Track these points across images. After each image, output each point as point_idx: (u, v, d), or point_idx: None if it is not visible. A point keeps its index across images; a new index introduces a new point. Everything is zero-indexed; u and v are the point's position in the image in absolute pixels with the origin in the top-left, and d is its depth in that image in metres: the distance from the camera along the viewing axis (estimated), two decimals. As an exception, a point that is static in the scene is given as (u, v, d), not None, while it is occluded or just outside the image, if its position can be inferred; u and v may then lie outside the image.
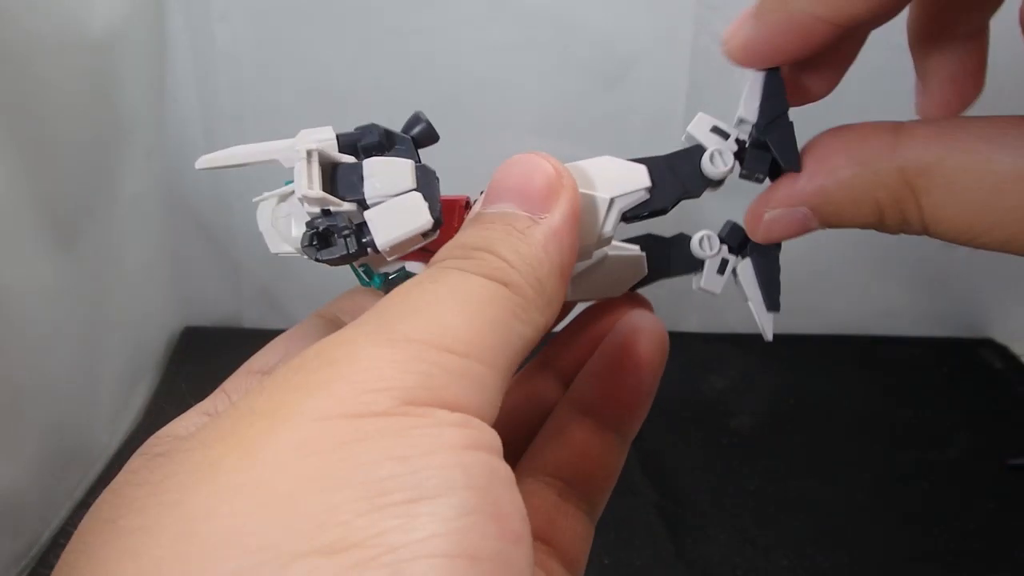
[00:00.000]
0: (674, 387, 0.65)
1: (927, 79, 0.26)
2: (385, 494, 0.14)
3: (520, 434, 0.27)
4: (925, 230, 0.20)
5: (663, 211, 0.24)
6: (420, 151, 0.23)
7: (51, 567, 0.17)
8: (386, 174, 0.21)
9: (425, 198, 0.21)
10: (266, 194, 0.23)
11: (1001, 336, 0.71)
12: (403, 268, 0.24)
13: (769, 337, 0.25)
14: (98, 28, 0.50)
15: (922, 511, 0.54)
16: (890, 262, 0.69)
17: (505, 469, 0.16)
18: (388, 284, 0.24)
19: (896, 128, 0.21)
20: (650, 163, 0.23)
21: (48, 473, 0.49)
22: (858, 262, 0.69)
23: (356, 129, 0.22)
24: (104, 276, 0.55)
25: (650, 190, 0.23)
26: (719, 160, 0.23)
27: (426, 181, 0.21)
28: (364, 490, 0.14)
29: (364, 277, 0.24)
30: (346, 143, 0.22)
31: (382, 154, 0.22)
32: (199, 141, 0.62)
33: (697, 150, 0.23)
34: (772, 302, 0.25)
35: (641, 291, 0.27)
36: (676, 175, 0.23)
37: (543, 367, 0.28)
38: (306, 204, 0.21)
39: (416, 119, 0.23)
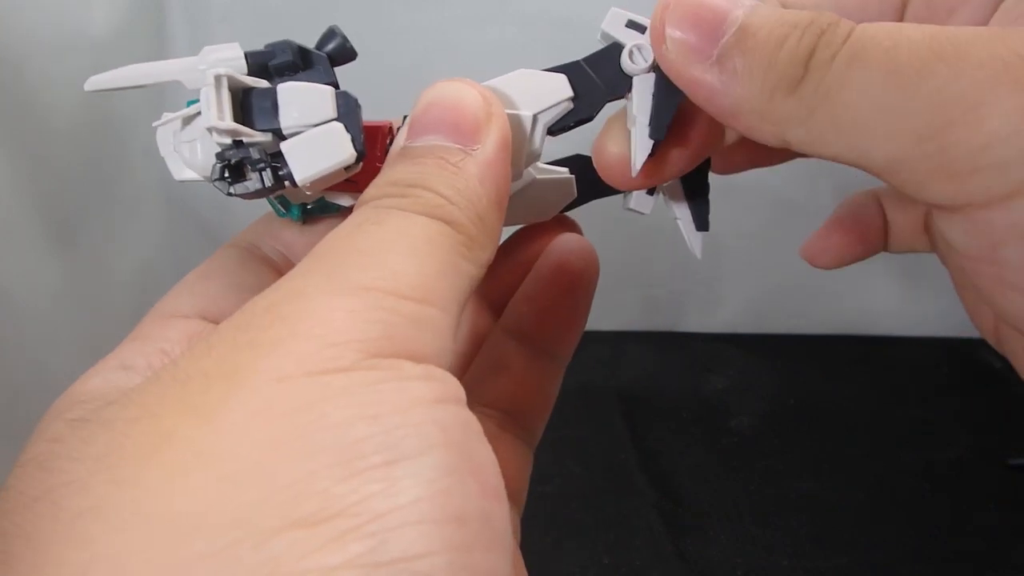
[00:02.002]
0: (674, 387, 0.65)
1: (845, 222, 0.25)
2: (362, 457, 0.13)
3: (459, 365, 0.26)
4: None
5: (589, 119, 0.23)
6: (337, 70, 0.21)
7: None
8: (304, 102, 0.19)
9: (347, 129, 0.19)
10: (167, 115, 0.21)
11: (1001, 336, 0.71)
12: (322, 198, 0.22)
13: (699, 254, 0.24)
14: (98, 28, 0.50)
15: (922, 511, 0.54)
16: (890, 262, 0.69)
17: (475, 420, 0.15)
18: (307, 214, 0.22)
19: None
20: (570, 70, 0.22)
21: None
22: (858, 262, 0.69)
23: (266, 46, 0.20)
24: (104, 276, 0.55)
25: (573, 100, 0.22)
26: (639, 56, 0.21)
27: (347, 110, 0.20)
28: (340, 454, 0.13)
29: (280, 208, 0.22)
30: (256, 63, 0.20)
31: (296, 75, 0.20)
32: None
33: (615, 48, 0.22)
34: (701, 221, 0.24)
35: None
36: (598, 78, 0.22)
37: (477, 298, 0.27)
38: (215, 135, 0.19)
39: (331, 33, 0.21)
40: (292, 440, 0.13)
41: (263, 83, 0.20)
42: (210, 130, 0.19)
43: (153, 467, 0.13)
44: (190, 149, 0.20)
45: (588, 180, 0.24)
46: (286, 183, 0.19)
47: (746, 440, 0.60)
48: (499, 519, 0.14)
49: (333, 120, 0.19)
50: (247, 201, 0.21)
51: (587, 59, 0.22)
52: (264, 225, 0.24)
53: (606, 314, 0.68)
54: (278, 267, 0.23)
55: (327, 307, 0.15)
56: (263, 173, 0.19)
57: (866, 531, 0.52)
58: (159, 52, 0.59)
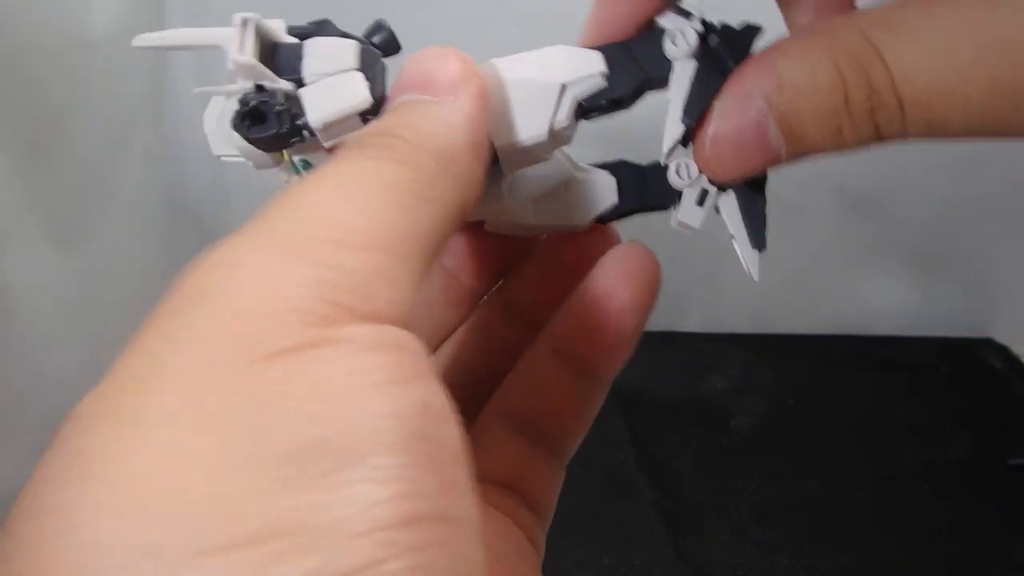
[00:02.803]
0: (674, 387, 0.65)
1: None
2: (310, 463, 0.12)
3: (483, 378, 0.24)
4: (896, 95, 0.17)
5: (622, 101, 0.22)
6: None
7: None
8: (327, 53, 0.19)
9: (367, 78, 0.19)
10: (210, 87, 0.20)
11: (1001, 336, 0.71)
12: None
13: (756, 276, 0.22)
14: (98, 28, 0.50)
15: (922, 511, 0.54)
16: (890, 262, 0.69)
17: (438, 398, 0.14)
18: None
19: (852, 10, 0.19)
20: (608, 49, 0.21)
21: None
22: (858, 262, 0.69)
23: (310, 23, 0.20)
24: (104, 276, 0.55)
25: (607, 76, 0.21)
26: (681, 40, 0.21)
27: (371, 62, 0.19)
28: (283, 463, 0.12)
29: (302, 172, 0.21)
30: (296, 34, 0.20)
31: None
32: (199, 141, 0.62)
33: (658, 33, 0.21)
34: (758, 239, 0.22)
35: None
36: (635, 60, 0.21)
37: (504, 308, 0.25)
38: (240, 79, 0.19)
39: (378, 26, 0.21)
40: (228, 452, 0.12)
41: (294, 40, 0.20)
42: (232, 69, 0.19)
43: (79, 492, 0.12)
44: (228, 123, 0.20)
45: (633, 189, 0.23)
46: (304, 133, 0.19)
47: (746, 440, 0.60)
48: (461, 512, 0.13)
49: (353, 70, 0.19)
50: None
51: (627, 41, 0.21)
52: None
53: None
54: None
55: (254, 272, 0.13)
56: (280, 116, 0.18)
57: (866, 531, 0.52)
58: (159, 52, 0.59)
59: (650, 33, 0.21)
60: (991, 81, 0.16)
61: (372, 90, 0.19)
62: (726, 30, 0.21)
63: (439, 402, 0.13)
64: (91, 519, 0.11)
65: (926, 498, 0.55)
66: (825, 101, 0.18)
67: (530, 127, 0.20)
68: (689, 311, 0.71)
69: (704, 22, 0.21)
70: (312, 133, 0.19)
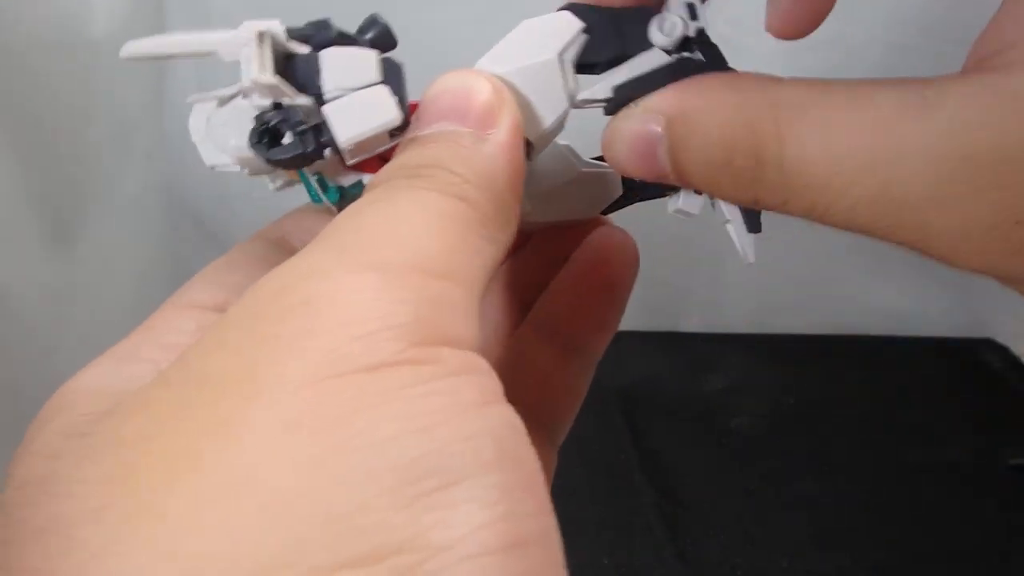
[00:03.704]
0: (674, 387, 0.65)
1: None
2: (416, 480, 0.12)
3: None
4: (783, 175, 0.17)
5: (595, 67, 0.21)
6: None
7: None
8: (348, 66, 0.18)
9: (393, 92, 0.18)
10: (202, 94, 0.20)
11: (1001, 336, 0.71)
12: (360, 181, 0.21)
13: (751, 259, 0.22)
14: (98, 28, 0.50)
15: (922, 511, 0.54)
16: (890, 262, 0.69)
17: (520, 422, 0.14)
18: (345, 199, 0.21)
19: (779, 78, 0.19)
20: (595, 14, 0.21)
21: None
22: (858, 262, 0.69)
23: (307, 24, 0.20)
24: (104, 276, 0.55)
25: (586, 31, 0.21)
26: (669, 30, 0.20)
27: (393, 74, 0.19)
28: (392, 478, 0.12)
29: (317, 189, 0.21)
30: (297, 39, 0.19)
31: None
32: (199, 141, 0.62)
33: (648, 13, 0.21)
34: (753, 223, 0.22)
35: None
36: (619, 32, 0.21)
37: (505, 292, 0.26)
38: (255, 96, 0.18)
39: (372, 21, 0.20)
40: (335, 461, 0.12)
41: (305, 48, 0.19)
42: (250, 89, 0.18)
43: (174, 496, 0.12)
44: (223, 133, 0.19)
45: (635, 180, 0.23)
46: (326, 152, 0.18)
47: (746, 440, 0.60)
48: (556, 533, 0.13)
49: (378, 83, 0.19)
50: (274, 187, 0.20)
51: (620, 11, 0.21)
52: (295, 219, 0.22)
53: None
54: None
55: (353, 288, 0.13)
56: (303, 136, 0.18)
57: (866, 531, 0.52)
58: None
59: (643, 10, 0.21)
60: (881, 189, 0.16)
61: (400, 105, 0.18)
62: (713, 50, 0.21)
63: (522, 427, 0.14)
64: (213, 526, 0.11)
65: (926, 498, 0.55)
66: (712, 153, 0.18)
67: (552, 108, 0.20)
68: (689, 311, 0.71)
69: (700, 31, 0.21)
70: (336, 151, 0.18)
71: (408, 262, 0.14)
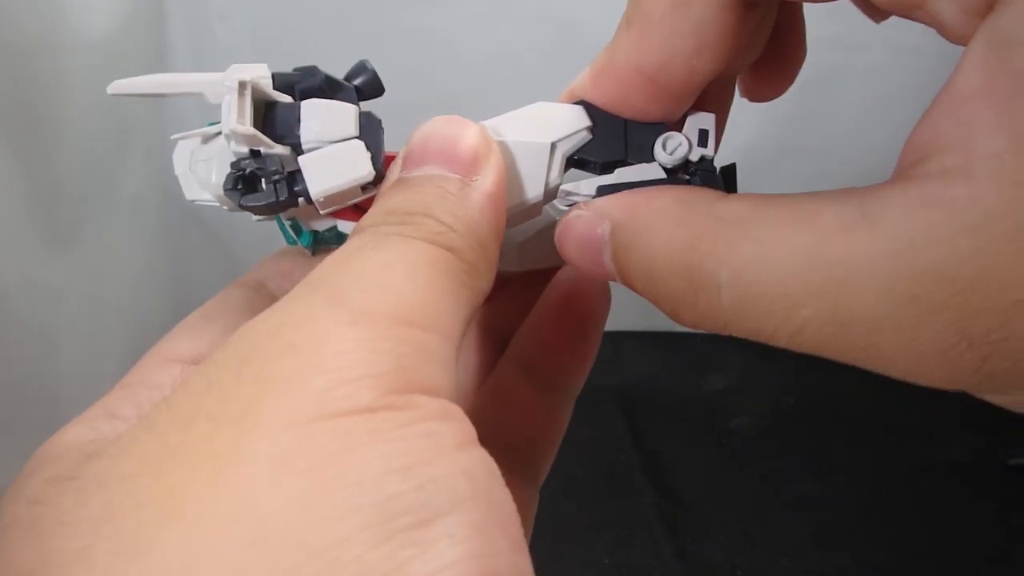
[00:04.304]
0: (674, 387, 0.65)
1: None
2: (394, 517, 0.12)
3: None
4: (719, 299, 0.17)
5: (591, 164, 0.21)
6: (364, 104, 0.20)
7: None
8: (326, 118, 0.19)
9: (368, 147, 0.19)
10: (187, 132, 0.20)
11: (1001, 336, 0.71)
12: (335, 228, 0.21)
13: None
14: (98, 28, 0.50)
15: (922, 511, 0.54)
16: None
17: (494, 464, 0.14)
18: (318, 242, 0.21)
19: (724, 194, 0.19)
20: (605, 117, 0.21)
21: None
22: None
23: (295, 70, 0.20)
24: (104, 276, 0.55)
25: (592, 130, 0.21)
26: (673, 145, 0.21)
27: (370, 129, 0.19)
28: (372, 514, 0.12)
29: (291, 233, 0.21)
30: (283, 84, 0.19)
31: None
32: (199, 141, 0.62)
33: (660, 128, 0.21)
34: None
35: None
36: (625, 140, 0.21)
37: (482, 334, 0.26)
38: (233, 142, 0.18)
39: (361, 68, 0.20)
40: (319, 498, 0.12)
41: (287, 98, 0.19)
42: (228, 136, 0.18)
43: (165, 534, 0.12)
44: (205, 168, 0.20)
45: None
46: (299, 200, 0.19)
47: (746, 440, 0.60)
48: (529, 571, 0.14)
49: (354, 138, 0.19)
50: (255, 219, 0.20)
51: (631, 121, 0.21)
52: (273, 263, 0.22)
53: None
54: None
55: (339, 336, 0.14)
56: (278, 185, 0.18)
57: (866, 531, 0.52)
58: (159, 52, 0.59)
59: (654, 126, 0.21)
60: (829, 313, 0.15)
61: (374, 161, 0.19)
62: (712, 178, 0.21)
63: (496, 468, 0.14)
64: (205, 562, 0.12)
65: (926, 498, 0.55)
66: (652, 267, 0.18)
67: (528, 190, 0.21)
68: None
69: (703, 158, 0.21)
70: (309, 201, 0.19)
71: (392, 313, 0.15)
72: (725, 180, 0.21)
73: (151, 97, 0.21)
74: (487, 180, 0.18)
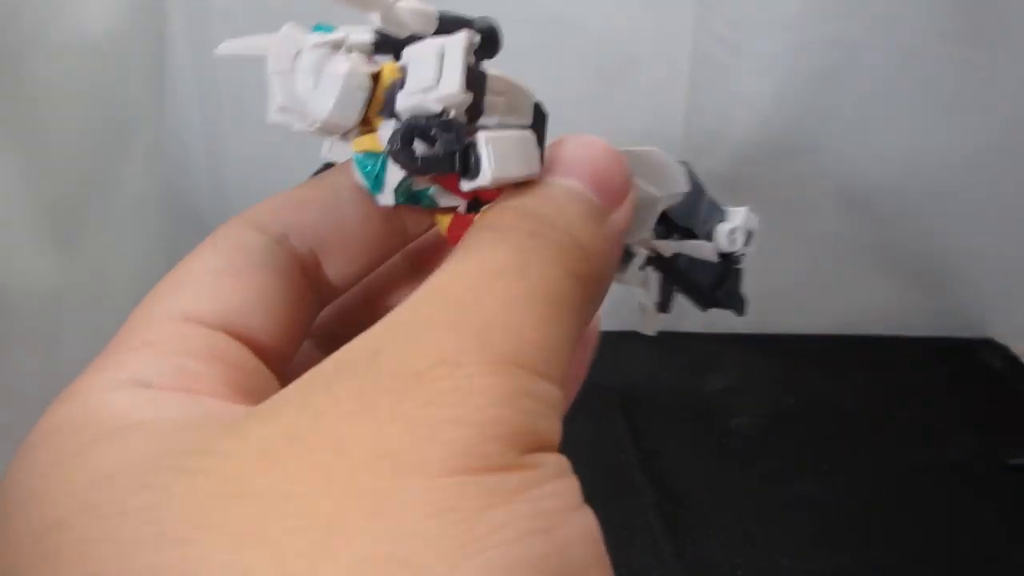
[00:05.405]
0: (674, 387, 0.65)
1: None
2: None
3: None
4: None
5: (679, 227, 0.22)
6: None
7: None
8: (514, 99, 0.18)
9: (537, 143, 0.18)
10: (316, 39, 0.17)
11: (1001, 336, 0.71)
12: (409, 188, 0.19)
13: (651, 332, 0.24)
14: (98, 28, 0.50)
15: (922, 511, 0.54)
16: (890, 262, 0.69)
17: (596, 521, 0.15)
18: (411, 199, 0.19)
19: None
20: (694, 179, 0.22)
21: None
22: (858, 262, 0.69)
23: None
24: (104, 276, 0.55)
25: (686, 195, 0.22)
26: (735, 239, 0.22)
27: (539, 122, 0.18)
28: (524, 574, 0.12)
29: (370, 181, 0.18)
30: (383, 40, 0.17)
31: None
32: (199, 141, 0.62)
33: (725, 213, 0.22)
34: (664, 304, 0.25)
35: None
36: (697, 211, 0.22)
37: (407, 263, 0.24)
38: (430, 102, 0.16)
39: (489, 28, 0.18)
40: (475, 552, 0.12)
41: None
42: (438, 100, 0.16)
43: (328, 565, 0.11)
44: (311, 82, 0.17)
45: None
46: (460, 175, 0.17)
47: (746, 440, 0.60)
48: None
49: (528, 127, 0.18)
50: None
51: (707, 197, 0.22)
52: (294, 212, 0.20)
53: (606, 314, 0.68)
54: (311, 272, 0.20)
55: (485, 390, 0.13)
56: (454, 156, 0.16)
57: (866, 531, 0.52)
58: (159, 52, 0.59)
59: (729, 209, 0.22)
60: None
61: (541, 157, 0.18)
62: (734, 276, 0.23)
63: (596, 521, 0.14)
64: None
65: (926, 498, 0.55)
66: None
67: (633, 234, 0.21)
68: (689, 311, 0.70)
69: (741, 256, 0.23)
70: (473, 177, 0.17)
71: (528, 362, 0.14)
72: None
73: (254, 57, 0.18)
74: (622, 216, 0.18)
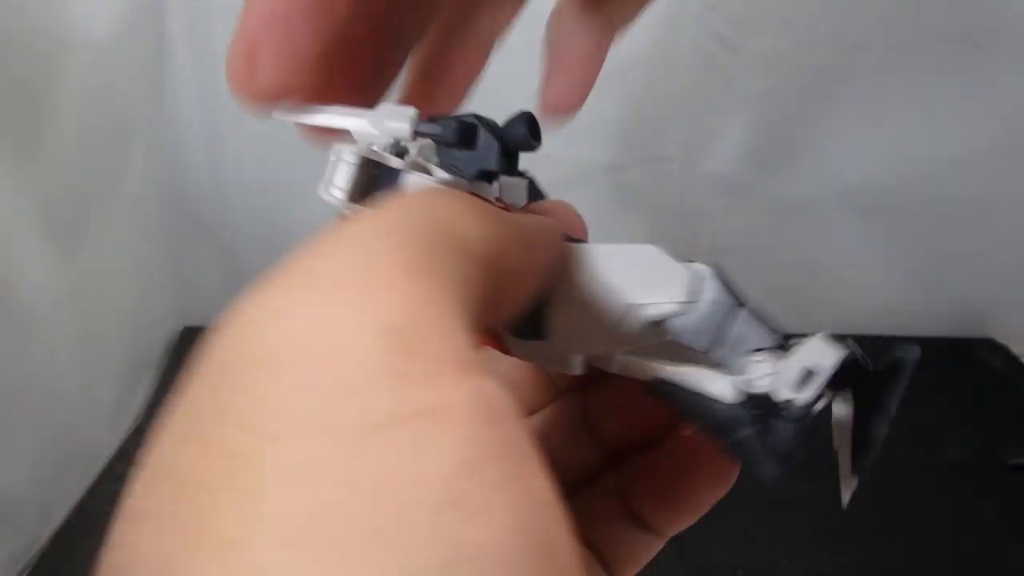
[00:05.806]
0: (674, 387, 0.65)
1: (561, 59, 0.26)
2: None
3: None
4: None
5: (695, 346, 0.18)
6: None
7: (51, 566, 0.15)
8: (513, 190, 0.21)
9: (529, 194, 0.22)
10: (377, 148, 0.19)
11: (1001, 336, 0.71)
12: None
13: (843, 503, 0.19)
14: (98, 28, 0.50)
15: (922, 511, 0.54)
16: (890, 262, 0.69)
17: (552, 494, 0.12)
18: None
19: None
20: (724, 281, 0.18)
21: (48, 473, 0.49)
22: (858, 262, 0.69)
23: (436, 119, 0.19)
24: (104, 276, 0.55)
25: (687, 305, 0.18)
26: (811, 383, 0.17)
27: (535, 189, 0.22)
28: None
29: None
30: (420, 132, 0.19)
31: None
32: (199, 141, 0.62)
33: (776, 337, 0.18)
34: (860, 465, 0.19)
35: None
36: (726, 330, 0.18)
37: (582, 420, 0.24)
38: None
39: (520, 119, 0.19)
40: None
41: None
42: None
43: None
44: (337, 169, 0.18)
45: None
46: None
47: (746, 440, 0.60)
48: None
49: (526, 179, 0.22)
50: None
51: (746, 308, 0.18)
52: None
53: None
54: None
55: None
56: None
57: (866, 531, 0.52)
58: (159, 52, 0.59)
59: (775, 330, 0.18)
60: None
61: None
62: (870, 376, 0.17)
63: (553, 499, 0.11)
64: None
65: (926, 498, 0.55)
66: None
67: (591, 332, 0.19)
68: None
69: (793, 404, 0.17)
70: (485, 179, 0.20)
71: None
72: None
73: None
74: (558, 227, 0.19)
